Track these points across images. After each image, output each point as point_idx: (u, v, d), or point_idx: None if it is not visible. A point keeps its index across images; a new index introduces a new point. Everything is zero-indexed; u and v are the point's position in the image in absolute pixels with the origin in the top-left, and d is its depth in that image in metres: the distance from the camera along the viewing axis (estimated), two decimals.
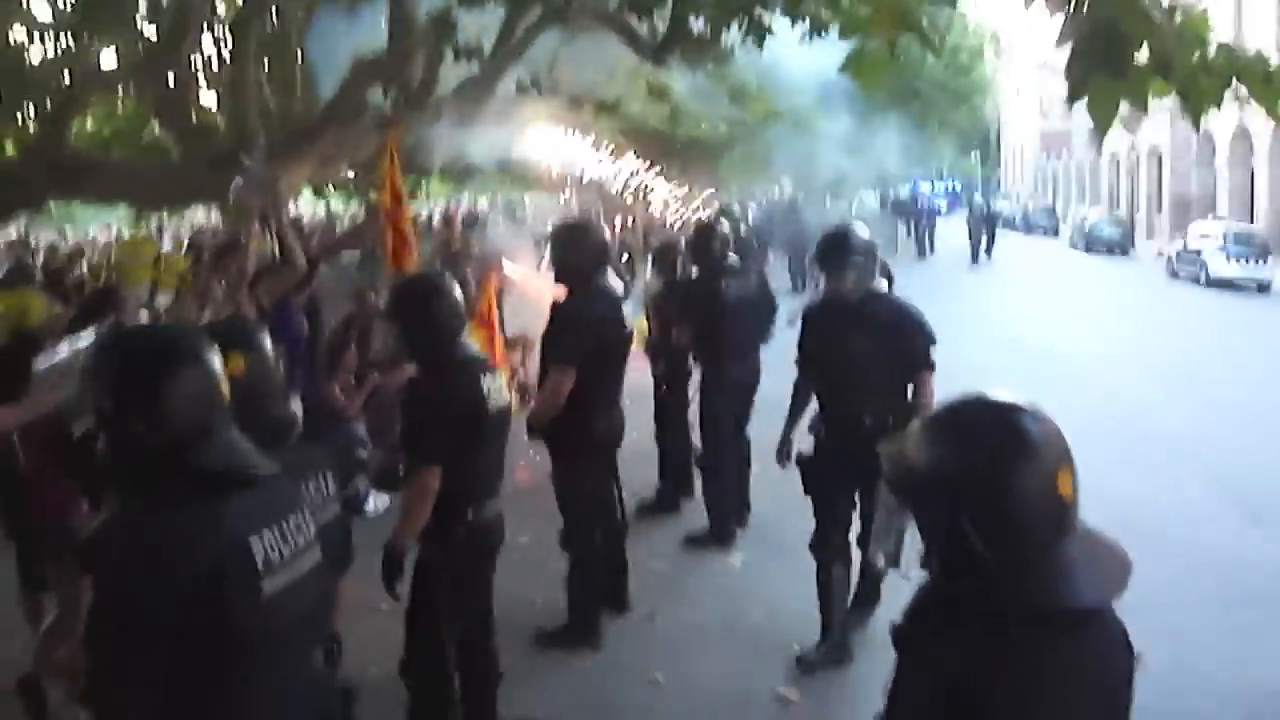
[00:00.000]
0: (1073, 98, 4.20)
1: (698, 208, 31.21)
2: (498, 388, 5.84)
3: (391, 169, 10.98)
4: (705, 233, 10.59)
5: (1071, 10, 4.18)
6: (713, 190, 36.66)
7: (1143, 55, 4.25)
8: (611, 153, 22.63)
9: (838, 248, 7.29)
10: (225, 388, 3.29)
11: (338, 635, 4.10)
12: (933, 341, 7.31)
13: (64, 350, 4.22)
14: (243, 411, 3.62)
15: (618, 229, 24.69)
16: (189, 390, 3.16)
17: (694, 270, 10.54)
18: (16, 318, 7.16)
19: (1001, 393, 2.84)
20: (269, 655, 3.15)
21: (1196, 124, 4.54)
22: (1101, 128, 4.24)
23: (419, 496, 5.53)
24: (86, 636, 3.02)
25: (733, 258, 10.39)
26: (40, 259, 20.84)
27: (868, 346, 7.09)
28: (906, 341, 7.24)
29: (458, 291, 5.99)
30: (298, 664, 3.35)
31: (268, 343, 4.29)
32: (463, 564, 5.74)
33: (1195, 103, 4.44)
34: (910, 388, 7.29)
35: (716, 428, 10.13)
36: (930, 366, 7.26)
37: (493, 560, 6.05)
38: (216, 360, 3.29)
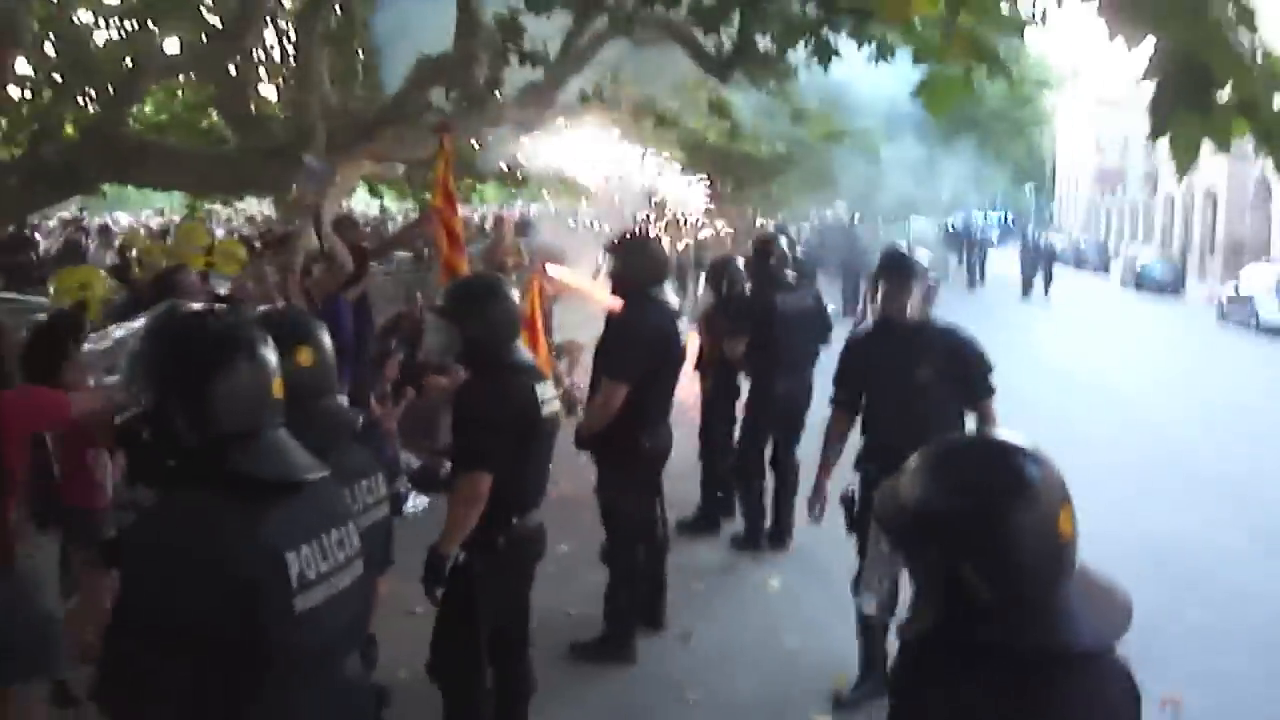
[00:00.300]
0: (1156, 134, 4.10)
1: (753, 225, 31.31)
2: (549, 395, 5.78)
3: (445, 170, 10.96)
4: (763, 247, 10.61)
5: (1158, 46, 4.09)
6: (764, 212, 36.68)
7: (1224, 95, 4.17)
8: (668, 165, 22.63)
9: (897, 269, 6.98)
10: (278, 385, 3.19)
11: (373, 636, 4.05)
12: (991, 368, 6.99)
13: (116, 332, 4.15)
14: (302, 407, 3.58)
15: (671, 243, 24.79)
16: (237, 388, 3.06)
17: (749, 284, 10.51)
18: (79, 293, 7.14)
19: (1002, 434, 2.83)
20: (301, 668, 3.07)
21: (1278, 166, 4.43)
22: (1182, 166, 4.16)
23: (468, 502, 5.44)
24: (108, 634, 2.95)
25: (789, 274, 10.41)
26: (95, 240, 20.97)
27: (929, 375, 6.77)
28: (966, 369, 6.91)
29: (515, 295, 5.96)
30: (331, 673, 3.26)
31: (327, 337, 4.25)
32: (502, 572, 5.66)
33: (1277, 145, 4.34)
34: (965, 417, 6.96)
35: (755, 437, 10.25)
36: (992, 392, 6.94)
37: (532, 571, 5.99)
38: (270, 355, 3.19)
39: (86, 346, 4.49)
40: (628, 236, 7.85)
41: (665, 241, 9.26)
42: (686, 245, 25.91)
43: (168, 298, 6.78)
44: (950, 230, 51.36)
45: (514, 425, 5.51)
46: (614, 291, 7.59)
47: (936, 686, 2.67)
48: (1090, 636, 2.61)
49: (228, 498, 2.99)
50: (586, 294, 11.88)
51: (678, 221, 26.59)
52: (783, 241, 10.95)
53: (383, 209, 32.30)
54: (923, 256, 7.16)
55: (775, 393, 10.06)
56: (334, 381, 4.25)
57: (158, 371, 3.09)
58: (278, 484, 3.07)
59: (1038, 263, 42.90)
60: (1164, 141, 4.19)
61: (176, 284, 7.50)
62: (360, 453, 4.34)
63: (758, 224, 35.32)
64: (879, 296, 7.05)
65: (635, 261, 7.54)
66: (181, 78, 17.55)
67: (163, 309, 3.59)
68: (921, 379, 6.76)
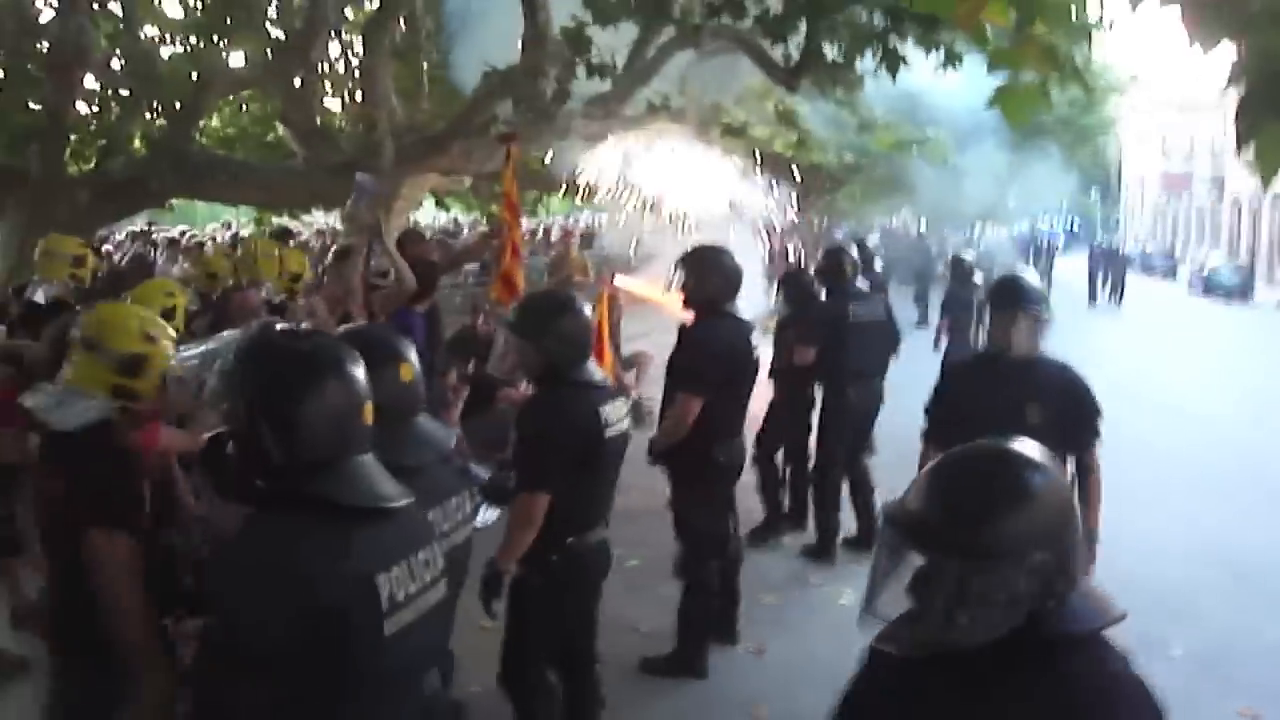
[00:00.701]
0: (1242, 142, 4.04)
1: (819, 235, 31.27)
2: (617, 415, 5.71)
3: (511, 182, 10.97)
4: (835, 257, 10.59)
5: (1242, 53, 4.03)
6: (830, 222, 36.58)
7: None
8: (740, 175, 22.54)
9: (1008, 297, 6.49)
10: (368, 411, 3.19)
11: (451, 652, 4.05)
12: (1100, 412, 6.44)
13: (196, 349, 4.13)
14: (393, 425, 3.67)
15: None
16: (326, 413, 3.08)
17: (823, 293, 10.58)
18: (167, 301, 7.10)
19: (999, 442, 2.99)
20: (385, 688, 3.08)
21: None
22: (1268, 174, 4.09)
23: (523, 522, 5.43)
24: (198, 657, 2.95)
25: (861, 283, 10.56)
26: (164, 253, 21.12)
27: (1038, 416, 6.02)
28: (1076, 411, 6.36)
29: (588, 311, 5.91)
30: (413, 691, 3.28)
31: (415, 355, 4.24)
32: (557, 589, 5.64)
33: None
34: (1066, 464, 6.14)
35: (831, 447, 10.28)
36: (1097, 438, 6.40)
37: (593, 589, 5.96)
38: (362, 380, 3.20)
39: (177, 356, 4.49)
40: (700, 248, 7.74)
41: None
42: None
43: (227, 315, 6.81)
44: (1017, 237, 51.06)
45: (573, 445, 5.47)
46: (686, 305, 7.53)
47: (1016, 691, 2.65)
48: (1100, 617, 2.73)
49: (317, 520, 3.00)
50: (656, 304, 11.87)
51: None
52: (855, 251, 10.96)
53: (456, 222, 32.28)
54: (1033, 283, 6.74)
55: (848, 402, 10.08)
56: (423, 399, 4.24)
57: (248, 393, 3.10)
58: (364, 511, 3.07)
59: (1105, 270, 42.53)
60: (1232, 143, 4.13)
61: (233, 303, 7.45)
62: (449, 471, 4.36)
63: (835, 234, 35.29)
64: (987, 326, 6.67)
65: (708, 275, 7.46)
66: (247, 92, 17.72)
67: (256, 329, 3.59)
68: (1030, 420, 5.98)
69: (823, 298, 10.60)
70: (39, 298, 8.61)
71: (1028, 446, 2.90)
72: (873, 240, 30.87)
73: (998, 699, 2.65)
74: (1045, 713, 2.61)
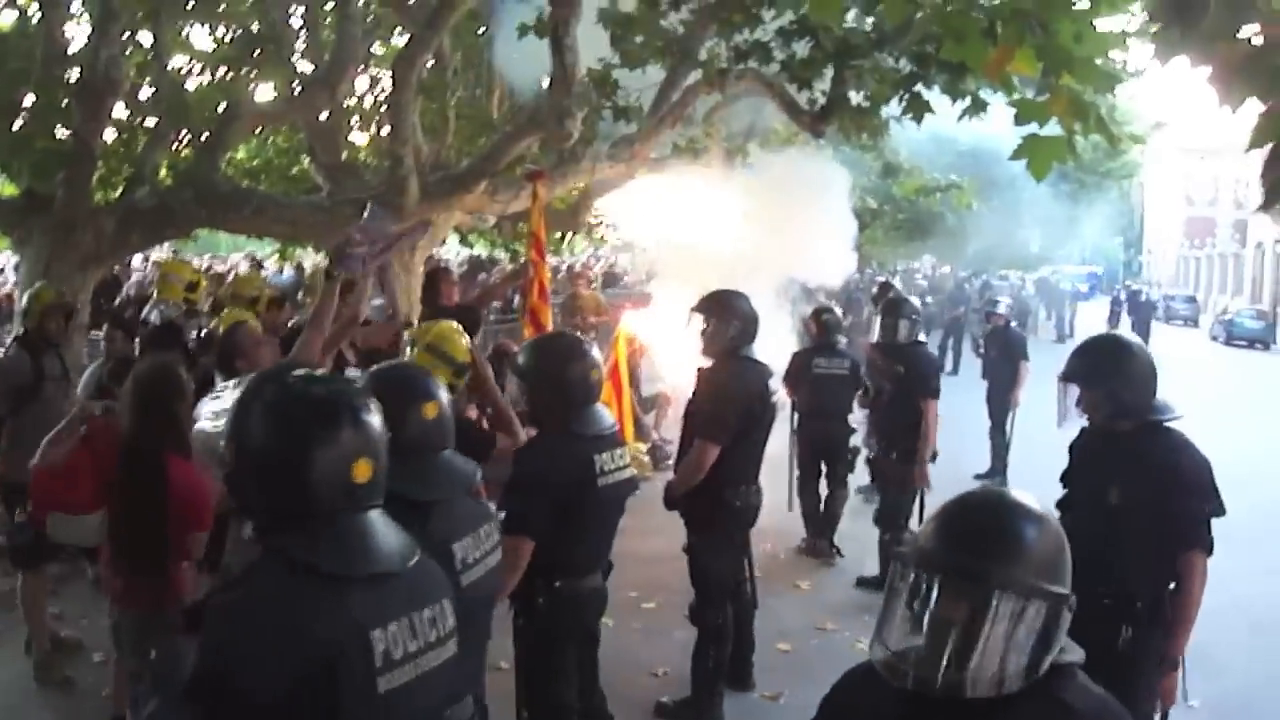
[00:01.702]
0: (1269, 203, 4.03)
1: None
2: (615, 463, 5.65)
3: (538, 220, 10.98)
4: (895, 304, 11.34)
5: (1267, 113, 4.02)
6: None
7: None
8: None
9: (1106, 361, 5.68)
10: (363, 468, 3.01)
11: (485, 707, 4.06)
12: (1217, 510, 5.50)
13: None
14: (422, 460, 3.90)
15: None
16: (310, 465, 2.94)
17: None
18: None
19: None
20: None
21: None
22: None
23: (505, 565, 5.37)
24: (185, 698, 2.87)
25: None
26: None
27: (1133, 497, 5.37)
28: (1170, 501, 5.38)
29: (596, 354, 5.89)
30: None
31: (445, 392, 4.30)
32: (544, 633, 5.62)
33: None
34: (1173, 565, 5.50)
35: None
36: (1205, 548, 5.46)
37: (584, 633, 5.91)
38: (361, 436, 3.03)
39: (206, 406, 4.53)
40: (717, 293, 7.69)
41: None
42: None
43: (229, 356, 6.92)
44: (1039, 282, 51.13)
45: (556, 493, 5.42)
46: (705, 351, 7.52)
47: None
48: (1078, 651, 2.96)
49: (314, 573, 2.89)
50: (671, 344, 11.91)
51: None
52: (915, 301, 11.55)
53: (505, 258, 32.22)
54: (1136, 344, 5.96)
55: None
56: (450, 435, 4.26)
57: (235, 438, 3.02)
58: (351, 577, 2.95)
59: (1125, 315, 42.41)
60: (1255, 190, 4.13)
61: (236, 343, 7.38)
62: (474, 502, 4.42)
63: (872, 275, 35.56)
64: (1075, 395, 5.72)
65: (727, 320, 7.44)
66: (274, 124, 17.79)
67: (270, 372, 3.57)
68: (1127, 502, 5.40)
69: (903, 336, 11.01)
70: (154, 318, 9.24)
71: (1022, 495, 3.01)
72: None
73: None
74: None
